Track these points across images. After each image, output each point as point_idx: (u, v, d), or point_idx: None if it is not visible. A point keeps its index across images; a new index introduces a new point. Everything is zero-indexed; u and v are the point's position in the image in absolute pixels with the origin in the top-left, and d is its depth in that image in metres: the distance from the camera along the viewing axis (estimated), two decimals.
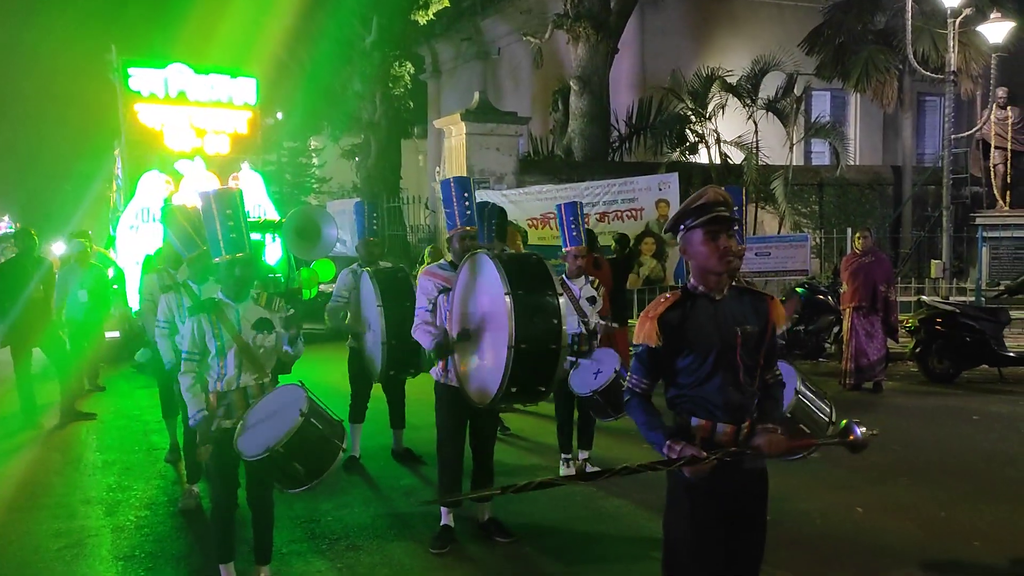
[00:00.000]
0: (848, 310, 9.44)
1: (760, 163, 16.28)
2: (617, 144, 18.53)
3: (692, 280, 2.99)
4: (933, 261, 14.81)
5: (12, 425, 8.10)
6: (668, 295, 2.98)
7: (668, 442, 2.81)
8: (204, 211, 4.18)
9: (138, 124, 13.80)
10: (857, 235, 9.79)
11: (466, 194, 4.95)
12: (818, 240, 16.24)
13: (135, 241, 12.72)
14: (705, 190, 2.98)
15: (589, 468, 6.16)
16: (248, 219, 4.34)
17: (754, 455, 2.90)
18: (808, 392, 4.22)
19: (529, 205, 13.44)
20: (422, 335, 4.80)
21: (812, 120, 18.87)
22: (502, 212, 6.21)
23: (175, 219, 5.16)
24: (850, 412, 6.23)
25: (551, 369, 4.39)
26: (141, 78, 13.79)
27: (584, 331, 5.96)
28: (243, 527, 4.41)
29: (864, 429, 2.87)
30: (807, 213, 17.73)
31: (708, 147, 16.68)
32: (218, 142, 14.37)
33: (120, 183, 14.84)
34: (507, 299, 4.16)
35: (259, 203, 14.44)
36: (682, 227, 2.97)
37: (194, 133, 14.15)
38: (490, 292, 4.42)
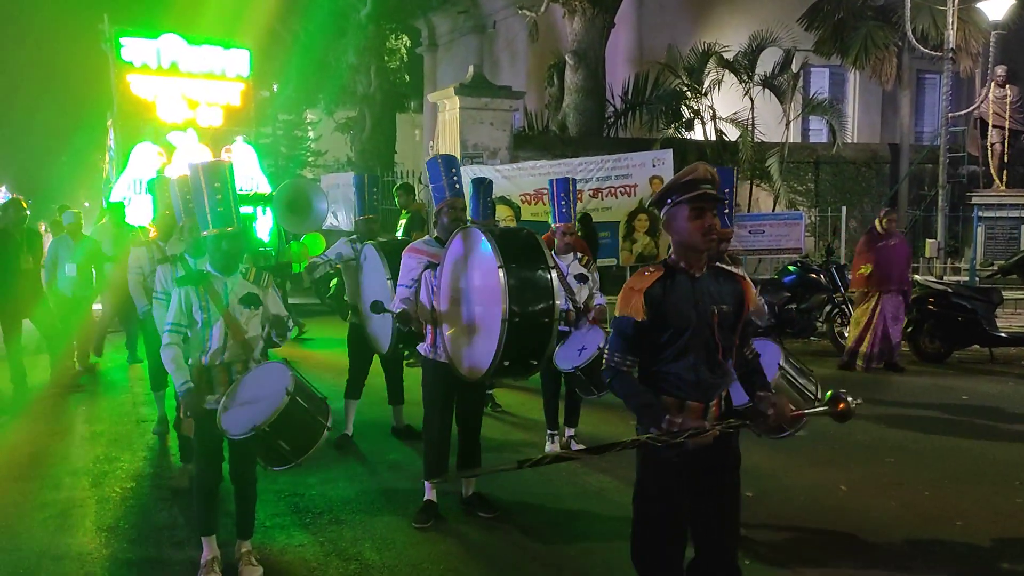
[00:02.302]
0: (877, 293, 9.31)
1: (756, 140, 16.20)
2: (612, 120, 18.41)
3: (673, 256, 2.98)
4: (928, 240, 14.78)
5: (2, 397, 8.09)
6: (651, 269, 2.97)
7: (668, 416, 2.80)
8: (193, 184, 4.15)
9: (130, 95, 13.71)
10: (883, 216, 9.48)
11: (453, 169, 4.96)
12: (813, 218, 16.20)
13: (128, 213, 12.62)
14: (695, 166, 2.96)
15: (575, 445, 6.17)
16: (239, 192, 4.30)
17: (756, 425, 2.89)
18: (791, 369, 4.22)
19: (523, 180, 13.37)
20: (399, 307, 4.79)
21: (810, 97, 18.76)
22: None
23: (180, 186, 5.10)
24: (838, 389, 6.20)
25: (544, 343, 4.37)
26: (133, 48, 13.68)
27: (571, 308, 5.94)
28: (227, 500, 4.42)
29: (851, 398, 2.88)
30: (802, 191, 17.67)
31: (704, 123, 16.60)
32: (211, 114, 14.29)
33: (112, 154, 14.78)
34: (501, 272, 4.13)
35: (252, 176, 14.39)
36: (668, 201, 2.95)
37: (187, 105, 14.07)
38: (482, 266, 4.40)
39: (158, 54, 13.82)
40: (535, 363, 4.46)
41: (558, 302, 4.35)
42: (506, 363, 4.24)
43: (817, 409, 2.96)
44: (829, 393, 2.94)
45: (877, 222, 9.52)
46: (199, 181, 4.07)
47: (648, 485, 3.00)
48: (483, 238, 4.33)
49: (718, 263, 3.05)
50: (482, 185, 5.84)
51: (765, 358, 4.15)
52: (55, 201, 21.83)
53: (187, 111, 14.06)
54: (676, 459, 2.85)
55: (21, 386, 8.15)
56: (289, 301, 11.48)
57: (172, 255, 5.44)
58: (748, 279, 3.08)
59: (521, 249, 4.35)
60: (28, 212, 8.62)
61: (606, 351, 3.02)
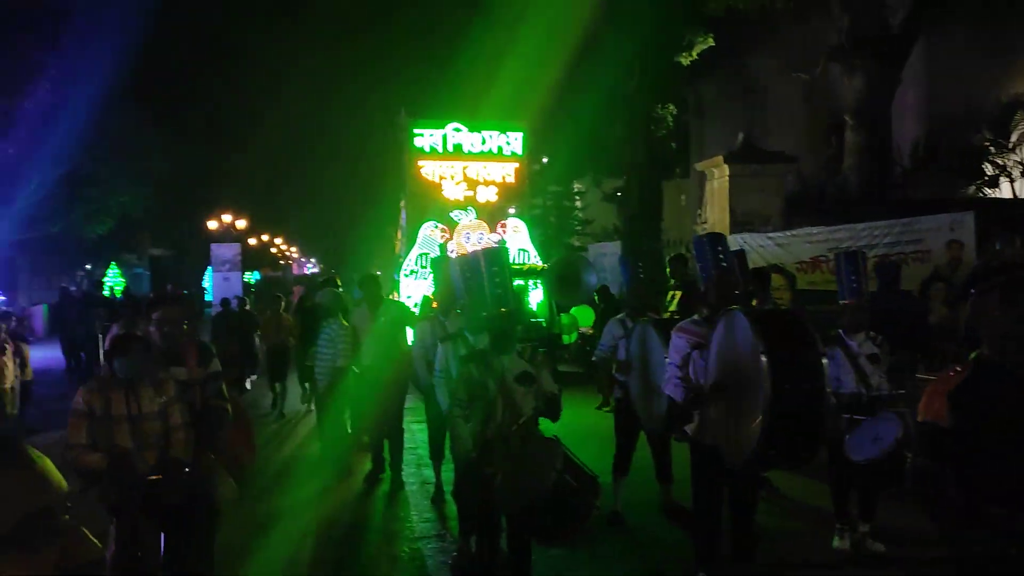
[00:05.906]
0: None
1: None
2: (900, 180, 17.13)
3: (987, 350, 2.65)
4: None
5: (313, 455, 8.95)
6: (959, 368, 2.68)
7: None
8: (473, 267, 4.47)
9: (420, 178, 15.15)
10: None
11: (719, 247, 4.89)
12: None
13: (415, 286, 13.83)
14: (1002, 250, 2.67)
15: (870, 543, 5.60)
16: (511, 264, 4.57)
17: None
18: None
19: (797, 248, 12.80)
20: (673, 388, 4.75)
21: None
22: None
23: (461, 266, 5.48)
24: None
25: (814, 433, 4.11)
26: (424, 137, 15.16)
27: (863, 391, 5.48)
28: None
29: None
30: None
31: (1012, 181, 14.90)
32: (488, 192, 15.33)
33: (403, 232, 16.29)
34: (763, 359, 3.96)
35: (523, 248, 15.12)
36: (973, 290, 2.66)
37: (467, 185, 15.22)
38: (745, 350, 4.24)
39: (444, 140, 15.19)
40: (805, 455, 4.18)
41: (829, 388, 4.08)
42: (771, 452, 4.04)
43: None
44: None
45: None
46: (479, 266, 4.36)
47: None
48: (745, 322, 4.20)
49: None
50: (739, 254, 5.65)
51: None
52: (356, 272, 24.36)
53: (467, 190, 15.22)
54: None
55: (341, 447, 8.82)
56: (559, 370, 11.80)
57: (453, 333, 5.78)
58: None
59: (787, 332, 4.18)
60: (341, 288, 9.60)
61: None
